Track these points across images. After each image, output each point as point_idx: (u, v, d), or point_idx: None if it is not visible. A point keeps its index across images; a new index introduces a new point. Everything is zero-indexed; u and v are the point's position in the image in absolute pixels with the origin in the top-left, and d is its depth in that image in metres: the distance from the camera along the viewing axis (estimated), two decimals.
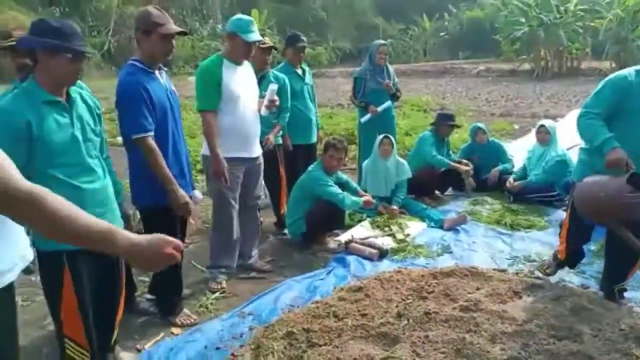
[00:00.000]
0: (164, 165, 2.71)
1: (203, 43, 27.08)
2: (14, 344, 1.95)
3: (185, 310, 3.13)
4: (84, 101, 2.22)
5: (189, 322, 3.05)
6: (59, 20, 2.10)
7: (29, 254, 1.48)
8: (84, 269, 2.23)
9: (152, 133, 2.70)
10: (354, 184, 4.57)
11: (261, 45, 3.92)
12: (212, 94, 3.31)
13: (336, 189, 4.10)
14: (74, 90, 2.18)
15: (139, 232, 3.09)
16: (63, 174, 2.08)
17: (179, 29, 2.82)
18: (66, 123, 2.10)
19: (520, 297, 3.07)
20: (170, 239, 1.29)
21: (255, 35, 3.34)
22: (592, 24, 25.62)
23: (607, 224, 2.93)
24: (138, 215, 3.05)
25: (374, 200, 4.43)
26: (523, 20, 22.86)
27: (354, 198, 4.20)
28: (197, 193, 3.25)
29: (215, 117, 3.32)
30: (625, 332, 2.61)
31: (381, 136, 4.90)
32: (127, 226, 2.51)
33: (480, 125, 5.86)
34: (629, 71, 2.87)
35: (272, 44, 4.16)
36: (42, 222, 1.16)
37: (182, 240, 3.15)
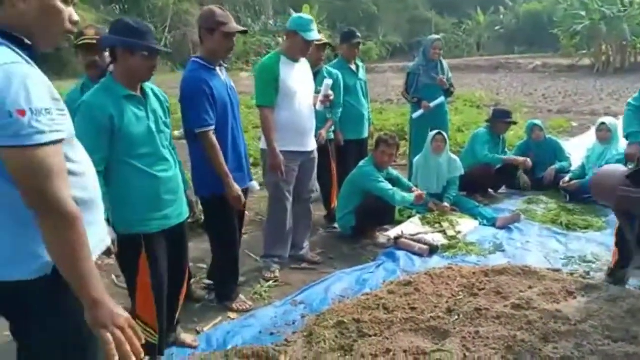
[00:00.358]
0: (221, 159, 2.84)
1: (255, 39, 27.52)
2: None
3: (241, 297, 3.27)
4: (155, 95, 2.39)
5: (244, 307, 3.19)
6: (135, 20, 2.28)
7: (108, 239, 1.63)
8: (159, 252, 2.41)
9: (213, 127, 2.83)
10: (406, 180, 4.59)
11: (316, 42, 4.01)
12: (269, 90, 3.43)
13: (386, 185, 4.14)
14: (146, 86, 2.35)
15: (198, 221, 3.23)
16: (141, 163, 2.26)
17: (240, 28, 2.95)
18: (143, 116, 2.27)
19: (575, 298, 3.03)
20: (118, 323, 1.32)
21: (314, 34, 3.46)
22: None
23: (613, 211, 3.06)
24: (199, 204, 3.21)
25: (425, 193, 4.42)
26: (584, 13, 21.86)
27: (405, 194, 4.23)
28: (255, 184, 3.38)
29: (272, 112, 3.44)
30: None
31: (434, 132, 4.89)
32: (191, 213, 2.66)
33: (537, 122, 5.71)
34: None
35: (327, 41, 4.24)
36: (65, 240, 1.26)
37: (240, 229, 3.30)
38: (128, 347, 1.32)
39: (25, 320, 1.44)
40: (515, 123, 5.81)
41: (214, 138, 2.82)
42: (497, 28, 38.51)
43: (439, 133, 4.87)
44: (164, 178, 2.34)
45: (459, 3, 41.75)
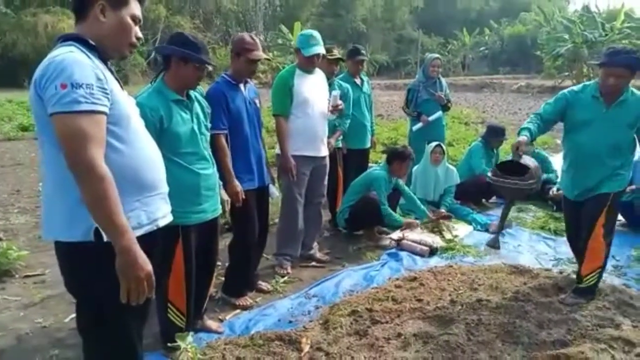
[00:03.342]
0: (227, 159, 3.08)
1: None
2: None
3: (246, 297, 3.43)
4: (199, 101, 2.67)
5: (246, 304, 3.36)
6: (193, 35, 2.59)
7: (168, 216, 1.88)
8: (194, 243, 2.65)
9: (224, 132, 3.10)
10: (410, 192, 4.89)
11: (328, 57, 4.33)
12: (284, 100, 3.74)
13: (385, 201, 4.47)
14: (192, 92, 2.62)
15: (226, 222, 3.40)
16: (184, 161, 2.53)
17: (264, 56, 3.25)
18: (188, 119, 2.55)
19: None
20: (145, 269, 1.57)
21: (313, 50, 3.70)
22: (639, 42, 25.15)
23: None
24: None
25: (418, 222, 4.69)
26: (567, 36, 22.74)
27: (397, 217, 4.54)
28: (273, 189, 3.63)
29: (286, 120, 3.75)
30: None
31: (433, 144, 5.22)
32: (222, 209, 2.91)
33: None
34: (578, 86, 3.32)
35: (339, 56, 4.53)
36: (97, 196, 1.49)
37: (265, 220, 3.51)
38: (136, 296, 1.58)
39: (72, 278, 1.72)
40: (506, 139, 6.16)
41: (223, 141, 3.08)
42: (481, 49, 39.54)
43: (438, 145, 5.20)
44: (203, 175, 2.60)
45: (445, 24, 42.89)
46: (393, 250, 4.28)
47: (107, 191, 1.51)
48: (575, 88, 3.31)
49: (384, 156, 4.86)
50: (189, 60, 2.46)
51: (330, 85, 4.42)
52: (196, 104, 2.62)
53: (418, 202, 4.87)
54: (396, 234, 4.50)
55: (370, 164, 6.44)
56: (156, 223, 1.79)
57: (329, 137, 4.34)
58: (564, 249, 4.30)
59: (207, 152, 2.67)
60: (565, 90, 3.33)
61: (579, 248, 3.28)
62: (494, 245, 3.66)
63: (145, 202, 1.73)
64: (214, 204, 2.72)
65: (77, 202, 1.54)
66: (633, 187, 4.72)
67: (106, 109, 1.57)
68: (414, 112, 5.65)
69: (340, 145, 4.72)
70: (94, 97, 1.53)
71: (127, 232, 1.55)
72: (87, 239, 1.59)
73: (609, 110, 3.10)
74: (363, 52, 4.98)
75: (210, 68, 2.72)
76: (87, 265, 1.64)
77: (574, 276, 3.43)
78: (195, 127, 2.56)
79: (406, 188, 4.88)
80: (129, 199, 1.65)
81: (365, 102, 5.03)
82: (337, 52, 4.51)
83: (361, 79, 4.99)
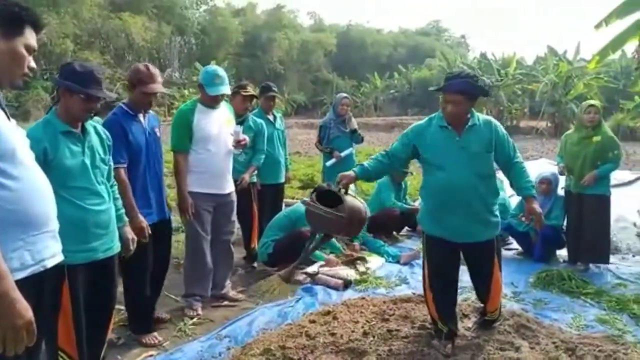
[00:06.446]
0: (129, 193, 3.01)
1: None
2: None
3: (154, 334, 3.30)
4: (97, 133, 2.55)
5: (154, 342, 3.24)
6: (82, 65, 2.46)
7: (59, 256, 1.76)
8: (81, 282, 2.47)
9: (124, 165, 3.03)
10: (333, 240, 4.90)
11: (243, 93, 4.35)
12: (183, 136, 3.64)
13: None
14: (89, 124, 2.51)
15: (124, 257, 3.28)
16: (73, 196, 2.38)
17: (158, 90, 3.20)
18: (78, 151, 2.42)
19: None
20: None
21: (218, 89, 3.62)
22: (530, 87, 28.05)
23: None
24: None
25: (338, 261, 4.74)
26: None
27: (319, 253, 4.61)
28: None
29: (185, 157, 3.65)
30: (557, 344, 3.06)
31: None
32: (125, 250, 2.75)
33: None
34: (424, 120, 3.12)
35: (253, 93, 4.56)
36: None
37: (167, 252, 3.49)
38: (12, 347, 1.44)
39: None
40: (411, 173, 6.43)
41: (123, 174, 3.01)
42: (392, 91, 41.76)
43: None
44: (93, 211, 2.45)
45: (357, 67, 44.94)
46: (308, 285, 4.26)
47: None
48: (422, 122, 3.11)
49: (302, 191, 4.88)
50: (74, 92, 2.36)
51: (245, 121, 4.43)
52: (93, 137, 2.50)
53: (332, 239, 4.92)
54: (311, 269, 4.50)
55: (286, 199, 6.49)
56: (43, 264, 1.65)
57: (242, 173, 4.32)
58: (467, 277, 4.51)
59: (103, 187, 2.53)
60: (412, 125, 3.17)
61: (479, 292, 3.28)
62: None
63: (30, 240, 1.60)
64: (108, 243, 2.55)
65: None
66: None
67: None
68: (327, 149, 5.80)
69: (255, 180, 4.69)
70: None
71: (4, 277, 1.41)
72: None
73: (462, 138, 2.94)
74: (274, 89, 5.06)
75: (107, 99, 2.62)
76: None
77: (476, 303, 3.58)
78: (87, 161, 2.43)
79: None
80: (12, 238, 1.52)
81: (279, 137, 5.08)
82: (251, 89, 4.55)
83: (274, 115, 5.05)
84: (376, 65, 43.63)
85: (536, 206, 3.02)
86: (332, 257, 4.73)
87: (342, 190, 3.03)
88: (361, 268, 4.62)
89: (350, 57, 45.64)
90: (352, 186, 3.25)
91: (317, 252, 4.61)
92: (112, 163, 2.68)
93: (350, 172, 3.02)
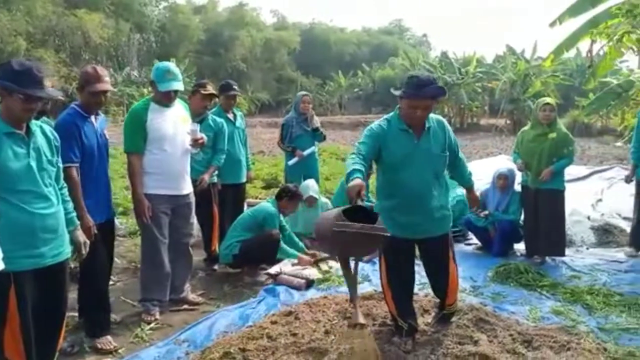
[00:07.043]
0: (79, 193, 2.97)
1: (117, 89, 26.66)
2: None
3: (108, 337, 3.22)
4: (44, 134, 2.43)
5: (108, 347, 3.15)
6: (21, 64, 2.32)
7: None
8: (29, 289, 2.37)
9: (76, 164, 3.01)
10: (292, 235, 4.92)
11: (202, 92, 4.26)
12: (136, 136, 3.55)
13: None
14: (34, 124, 2.39)
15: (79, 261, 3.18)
16: (17, 199, 2.28)
17: (105, 88, 3.15)
18: (23, 153, 2.31)
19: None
20: None
21: (168, 85, 3.53)
22: (489, 85, 28.73)
23: (336, 255, 2.95)
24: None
25: (310, 260, 4.67)
26: None
27: (292, 251, 4.61)
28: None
29: (139, 158, 3.55)
30: (514, 336, 3.13)
31: (308, 195, 5.14)
32: (77, 253, 2.65)
33: None
34: (381, 121, 3.08)
35: (212, 92, 4.47)
36: None
37: (111, 252, 3.46)
38: None
39: None
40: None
41: (74, 173, 2.98)
42: (356, 90, 41.99)
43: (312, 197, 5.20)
44: (40, 215, 2.34)
45: (321, 66, 44.94)
46: (270, 286, 4.22)
47: None
48: (380, 123, 3.07)
49: (265, 191, 4.82)
50: (12, 92, 2.25)
51: (205, 120, 4.33)
52: (39, 138, 2.39)
53: (296, 239, 4.91)
54: (274, 269, 4.45)
55: (249, 199, 6.42)
56: None
57: (202, 173, 4.23)
58: None
59: (51, 189, 2.42)
60: (372, 126, 3.08)
61: (437, 286, 3.29)
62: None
63: None
64: (57, 248, 2.44)
65: None
66: (487, 212, 5.20)
67: None
68: (289, 147, 5.75)
69: (215, 180, 4.60)
70: None
71: None
72: None
73: (420, 142, 2.99)
74: (235, 87, 4.98)
75: (52, 99, 2.51)
76: None
77: (436, 298, 3.61)
78: (33, 163, 2.32)
79: (287, 226, 4.89)
80: None
81: (239, 136, 5.00)
82: (211, 88, 4.45)
83: (234, 113, 4.97)
84: (340, 64, 43.74)
85: (477, 193, 3.56)
86: (304, 256, 4.69)
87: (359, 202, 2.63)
88: (324, 267, 4.61)
89: (314, 56, 45.59)
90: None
91: (290, 250, 4.58)
92: (60, 164, 2.57)
93: (361, 181, 2.71)
